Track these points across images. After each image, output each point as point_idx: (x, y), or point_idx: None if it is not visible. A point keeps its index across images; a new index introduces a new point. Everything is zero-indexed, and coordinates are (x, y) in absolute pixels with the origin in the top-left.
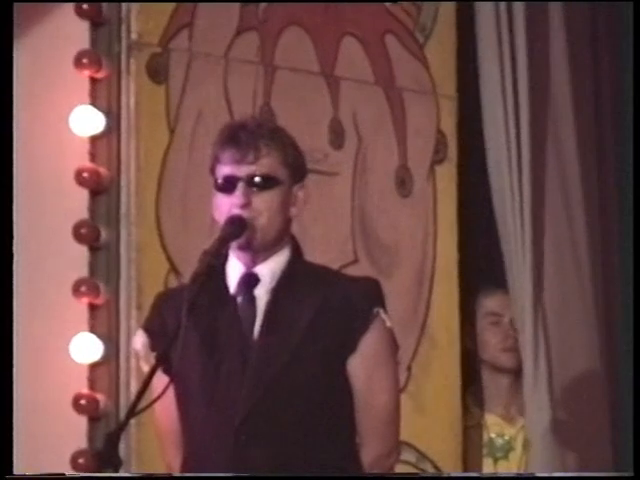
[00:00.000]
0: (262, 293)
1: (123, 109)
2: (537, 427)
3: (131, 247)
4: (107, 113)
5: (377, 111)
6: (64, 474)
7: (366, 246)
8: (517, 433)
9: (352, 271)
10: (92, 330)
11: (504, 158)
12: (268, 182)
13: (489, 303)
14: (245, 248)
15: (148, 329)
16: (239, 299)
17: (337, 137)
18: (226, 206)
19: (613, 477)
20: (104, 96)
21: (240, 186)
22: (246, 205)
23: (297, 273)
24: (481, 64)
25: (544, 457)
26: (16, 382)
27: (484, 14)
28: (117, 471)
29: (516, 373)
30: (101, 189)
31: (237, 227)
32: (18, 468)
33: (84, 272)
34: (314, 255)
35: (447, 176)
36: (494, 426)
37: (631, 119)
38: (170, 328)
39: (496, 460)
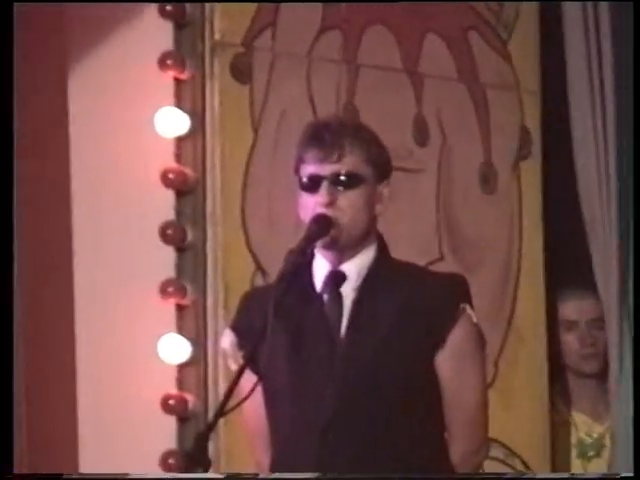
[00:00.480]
0: (348, 291)
1: (207, 110)
2: (623, 425)
3: (217, 247)
4: (192, 114)
5: (460, 107)
6: (61, 474)
7: (451, 243)
8: (605, 431)
9: (438, 268)
10: (180, 331)
11: (592, 156)
12: (352, 180)
13: (565, 310)
14: (331, 246)
15: (235, 328)
16: (325, 297)
17: (421, 134)
18: (311, 205)
19: (613, 477)
20: (188, 97)
21: (324, 185)
22: (331, 204)
23: (383, 270)
24: (568, 60)
25: (630, 455)
26: (104, 384)
27: (571, 10)
28: (207, 471)
29: (601, 376)
30: (187, 190)
31: (322, 226)
32: (106, 468)
33: (171, 273)
34: (400, 252)
35: (532, 173)
36: (582, 425)
37: None
38: (257, 327)
39: (589, 459)
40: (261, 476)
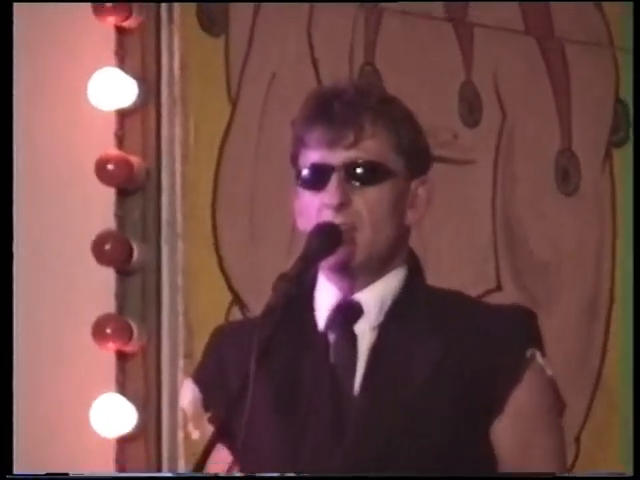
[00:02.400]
0: (365, 330)
1: (163, 72)
2: None
3: (177, 270)
4: (140, 78)
5: (528, 71)
6: (67, 474)
7: (514, 265)
8: None
9: (495, 300)
10: (121, 390)
11: None
12: (375, 174)
13: None
14: (341, 268)
15: (201, 380)
16: (332, 339)
17: (471, 110)
18: (314, 209)
19: (613, 477)
20: (136, 54)
21: (334, 180)
22: (343, 206)
23: (416, 302)
24: None
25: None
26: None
27: None
28: None
29: None
30: (133, 187)
31: (329, 239)
32: None
33: (109, 306)
34: (440, 278)
35: (630, 165)
36: None
37: None
38: (232, 380)
39: None
40: (176, 476)
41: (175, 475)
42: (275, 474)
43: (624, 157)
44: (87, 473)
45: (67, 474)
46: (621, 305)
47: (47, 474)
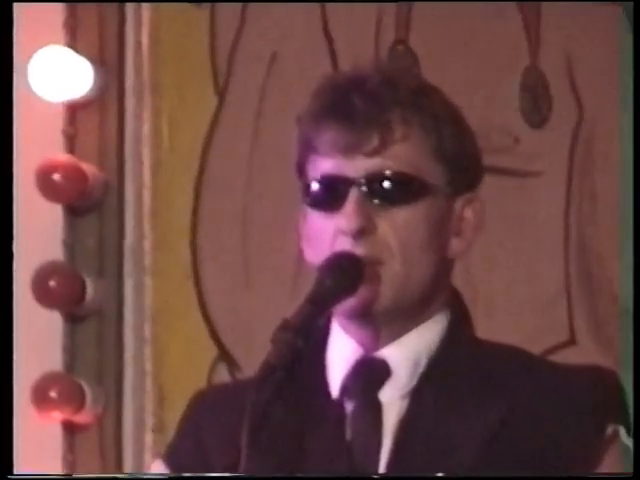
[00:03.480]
0: (394, 398)
1: (128, 53)
2: None
3: (144, 315)
4: (98, 60)
5: (614, 55)
6: (70, 474)
7: (592, 313)
8: None
9: (566, 359)
10: (70, 472)
11: None
12: (406, 190)
13: None
14: (362, 315)
15: (174, 461)
16: (350, 409)
17: (537, 104)
18: (327, 235)
19: (613, 477)
20: (92, 29)
21: (353, 197)
22: (365, 233)
23: (460, 361)
24: None
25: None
26: None
27: None
28: None
29: None
30: (87, 205)
31: (347, 275)
32: None
33: (55, 363)
34: (493, 328)
35: None
36: None
37: None
38: (216, 462)
39: None
40: (175, 475)
41: (174, 476)
42: (308, 474)
43: None
44: None
45: (69, 475)
46: None
47: (47, 474)
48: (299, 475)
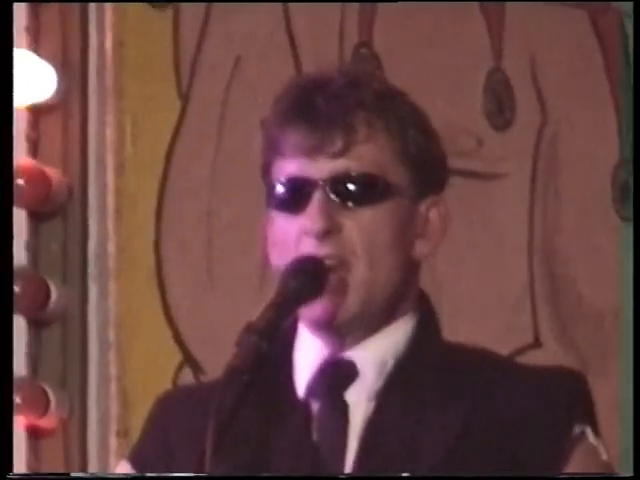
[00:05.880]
0: (360, 399)
1: (91, 56)
2: None
3: (109, 320)
4: (60, 64)
5: (576, 53)
6: (68, 474)
7: (557, 314)
8: None
9: (532, 360)
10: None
11: None
12: (371, 191)
13: None
14: (328, 318)
15: (139, 462)
16: (316, 409)
17: (501, 107)
18: (291, 237)
19: (613, 477)
20: (55, 31)
21: (317, 198)
22: (329, 234)
23: (426, 362)
24: None
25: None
26: None
27: None
28: None
29: None
30: (50, 210)
31: (311, 278)
32: None
33: (19, 368)
34: (459, 330)
35: None
36: None
37: None
38: (182, 463)
39: None
40: (173, 475)
41: (139, 476)
42: (274, 474)
43: None
44: None
45: (67, 474)
46: None
47: (47, 474)
48: (265, 475)
